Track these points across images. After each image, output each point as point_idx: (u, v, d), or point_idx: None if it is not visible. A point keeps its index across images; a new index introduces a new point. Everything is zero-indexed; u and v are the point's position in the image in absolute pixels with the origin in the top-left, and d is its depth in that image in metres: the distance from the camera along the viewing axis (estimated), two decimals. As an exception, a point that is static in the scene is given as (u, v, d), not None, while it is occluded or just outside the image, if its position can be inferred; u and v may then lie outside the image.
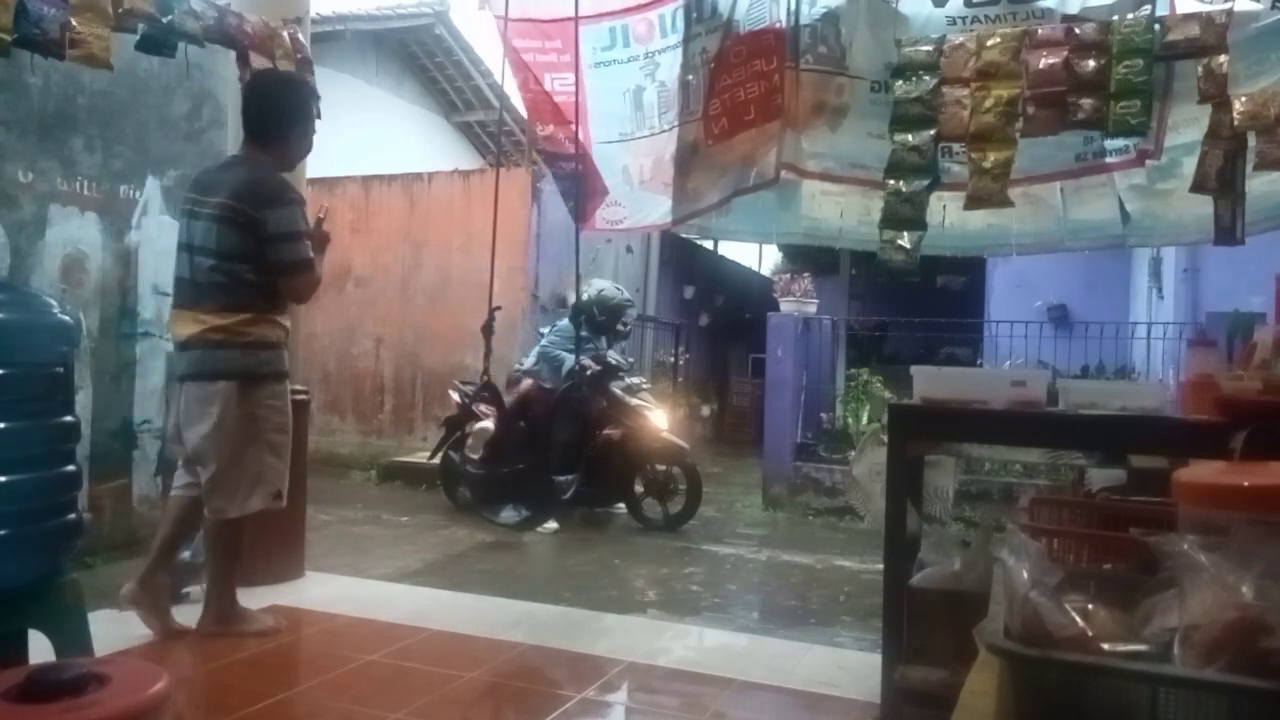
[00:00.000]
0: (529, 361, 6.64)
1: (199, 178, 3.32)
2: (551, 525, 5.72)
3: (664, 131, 4.02)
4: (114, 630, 3.09)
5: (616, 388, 6.23)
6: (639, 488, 6.26)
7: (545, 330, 6.87)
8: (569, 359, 6.12)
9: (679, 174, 3.88)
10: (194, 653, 3.12)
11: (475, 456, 5.63)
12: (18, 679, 1.71)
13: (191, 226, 3.17)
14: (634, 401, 6.25)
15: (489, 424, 5.86)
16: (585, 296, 6.41)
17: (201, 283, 3.13)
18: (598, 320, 6.49)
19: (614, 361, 6.36)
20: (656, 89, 4.02)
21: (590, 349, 6.25)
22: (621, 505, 6.36)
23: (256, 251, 3.10)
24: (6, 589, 2.16)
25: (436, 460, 6.69)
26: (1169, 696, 1.49)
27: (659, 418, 6.29)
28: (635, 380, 6.52)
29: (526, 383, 6.45)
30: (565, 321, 6.49)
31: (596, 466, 6.01)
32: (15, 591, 2.19)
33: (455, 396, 6.68)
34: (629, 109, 4.10)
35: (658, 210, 4.16)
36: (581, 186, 4.13)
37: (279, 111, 3.27)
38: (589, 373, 5.97)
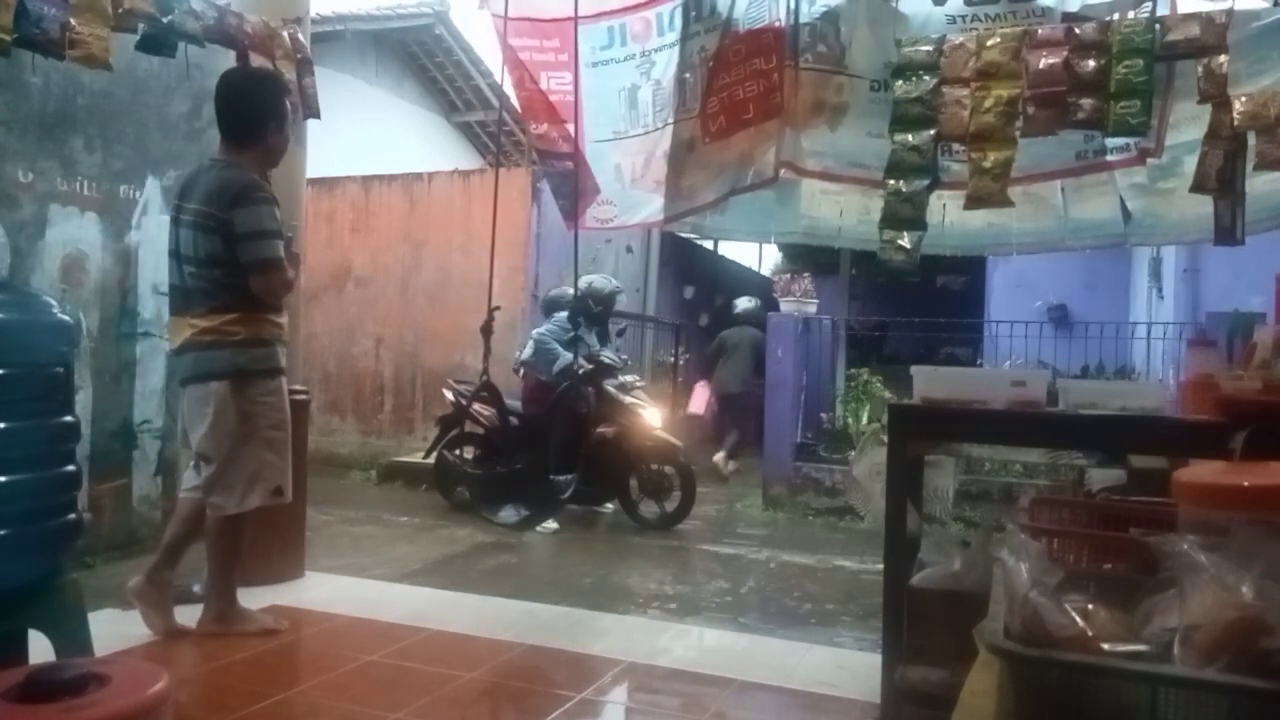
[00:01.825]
0: (526, 352, 6.67)
1: (183, 183, 3.31)
2: (551, 525, 5.73)
3: (657, 130, 4.02)
4: (114, 630, 3.10)
5: (610, 386, 6.25)
6: (634, 486, 6.28)
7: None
8: (563, 354, 6.16)
9: (673, 172, 3.88)
10: (194, 653, 3.12)
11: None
12: (18, 679, 1.71)
13: (176, 234, 3.19)
14: (628, 400, 6.27)
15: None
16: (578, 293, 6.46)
17: (190, 288, 3.15)
18: (594, 311, 6.52)
19: (608, 360, 6.37)
20: (651, 87, 4.01)
21: (584, 347, 6.28)
22: (617, 503, 6.38)
23: (231, 254, 3.10)
24: (6, 589, 2.16)
25: (432, 460, 6.69)
26: (1169, 696, 1.49)
27: (653, 416, 6.31)
28: (629, 379, 6.54)
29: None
30: (564, 313, 6.53)
31: (591, 465, 6.03)
32: (15, 591, 2.19)
33: (449, 396, 6.71)
34: (623, 108, 4.09)
35: (648, 208, 4.15)
36: (574, 185, 4.13)
37: (252, 109, 3.24)
38: (581, 371, 6.00)
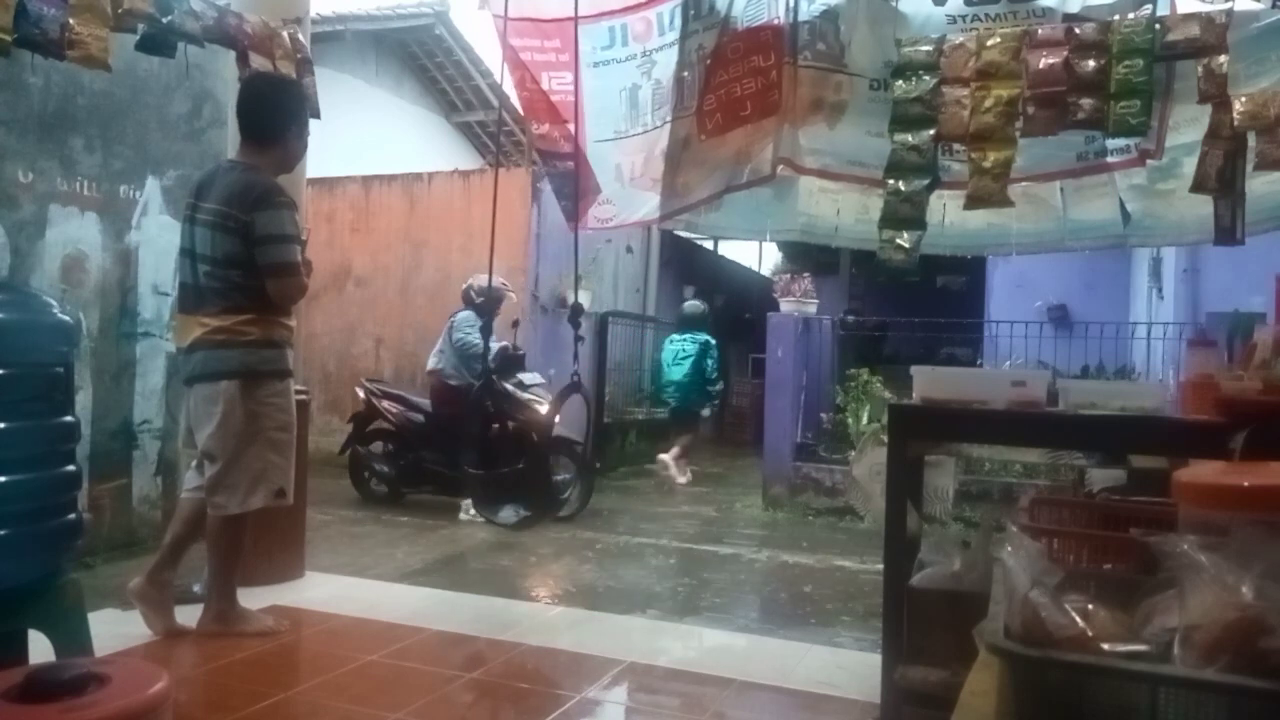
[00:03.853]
0: (433, 362, 6.75)
1: (198, 182, 3.34)
2: (466, 512, 6.04)
3: (655, 128, 4.01)
4: (114, 630, 3.10)
5: (509, 384, 6.30)
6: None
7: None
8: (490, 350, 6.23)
9: (669, 169, 3.88)
10: (194, 653, 3.12)
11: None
12: (18, 679, 1.71)
13: (191, 232, 3.20)
14: (524, 396, 6.34)
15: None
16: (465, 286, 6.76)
17: (203, 287, 3.15)
18: (478, 303, 6.54)
19: (501, 349, 6.40)
20: (652, 87, 4.01)
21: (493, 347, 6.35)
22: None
23: (248, 256, 3.12)
24: (6, 589, 2.16)
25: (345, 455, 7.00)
26: (1169, 696, 1.49)
27: (549, 412, 6.37)
28: (527, 376, 6.59)
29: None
30: (462, 315, 6.62)
31: (493, 459, 6.15)
32: (15, 591, 2.19)
33: (361, 394, 6.97)
34: (624, 107, 4.09)
35: (645, 206, 4.15)
36: (575, 185, 4.13)
37: (274, 113, 3.29)
38: (495, 366, 6.12)
